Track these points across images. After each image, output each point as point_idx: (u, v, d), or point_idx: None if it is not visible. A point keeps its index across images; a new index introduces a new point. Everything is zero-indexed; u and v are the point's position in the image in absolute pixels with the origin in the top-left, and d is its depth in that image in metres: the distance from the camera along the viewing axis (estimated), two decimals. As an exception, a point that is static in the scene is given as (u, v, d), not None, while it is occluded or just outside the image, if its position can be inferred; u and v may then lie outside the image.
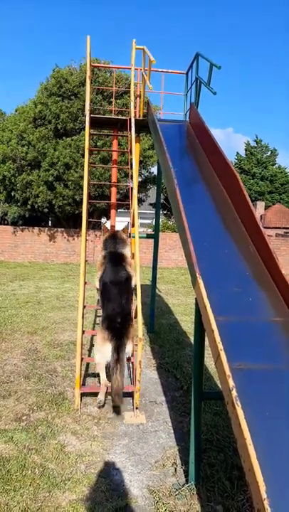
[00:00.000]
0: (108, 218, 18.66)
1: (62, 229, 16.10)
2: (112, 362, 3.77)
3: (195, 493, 2.84)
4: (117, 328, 3.81)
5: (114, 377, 3.70)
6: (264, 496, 1.56)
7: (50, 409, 3.88)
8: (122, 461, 3.22)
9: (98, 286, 4.27)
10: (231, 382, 1.97)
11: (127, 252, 4.42)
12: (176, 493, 2.85)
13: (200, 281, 2.61)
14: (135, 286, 4.31)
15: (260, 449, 1.79)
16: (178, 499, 2.79)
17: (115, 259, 4.28)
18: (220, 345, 2.16)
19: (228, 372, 2.01)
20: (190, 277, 2.95)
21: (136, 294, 4.34)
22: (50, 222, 19.84)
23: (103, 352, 3.86)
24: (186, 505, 2.74)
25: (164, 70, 6.21)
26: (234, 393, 1.92)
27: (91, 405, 4.06)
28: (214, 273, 3.02)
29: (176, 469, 3.14)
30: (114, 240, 4.50)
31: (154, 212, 5.70)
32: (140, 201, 18.86)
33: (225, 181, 4.02)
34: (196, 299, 2.76)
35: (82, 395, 4.12)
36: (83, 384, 4.48)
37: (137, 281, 4.38)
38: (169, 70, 6.28)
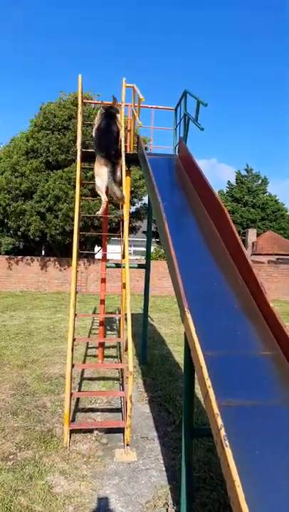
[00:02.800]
0: (100, 247, 18.74)
1: (55, 258, 16.11)
2: (109, 181, 4.99)
3: (187, 536, 2.74)
4: (110, 157, 5.04)
5: (115, 188, 5.02)
6: None
7: (38, 448, 3.78)
8: (112, 502, 3.12)
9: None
10: (220, 421, 1.94)
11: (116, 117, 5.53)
12: (168, 536, 2.75)
13: (188, 316, 2.62)
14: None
15: (250, 490, 1.76)
16: None
17: (109, 116, 5.39)
18: (208, 382, 2.15)
19: (216, 410, 1.99)
20: (179, 311, 2.95)
21: (126, 322, 4.31)
22: (43, 252, 19.85)
23: (101, 174, 5.05)
24: None
25: (154, 107, 6.41)
26: (222, 433, 1.89)
27: (80, 442, 3.96)
28: (203, 306, 3.02)
29: (167, 510, 3.05)
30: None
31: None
32: (134, 229, 19.00)
33: (213, 215, 4.09)
34: (184, 333, 2.76)
35: (72, 431, 4.02)
36: (73, 420, 4.37)
37: (127, 310, 4.38)
38: (159, 106, 6.49)
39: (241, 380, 2.45)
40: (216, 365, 2.46)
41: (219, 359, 2.55)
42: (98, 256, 17.49)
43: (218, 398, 2.12)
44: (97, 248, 18.63)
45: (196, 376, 2.51)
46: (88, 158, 6.16)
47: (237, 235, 3.47)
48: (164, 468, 3.60)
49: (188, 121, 5.62)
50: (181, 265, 3.07)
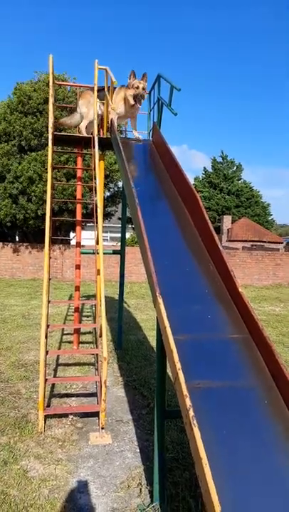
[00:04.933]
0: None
1: (28, 243, 15.87)
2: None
3: (160, 513, 2.83)
4: None
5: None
6: (219, 516, 1.58)
7: (12, 434, 3.78)
8: (87, 484, 3.17)
9: None
10: (188, 402, 2.00)
11: None
12: (141, 514, 2.83)
13: (160, 300, 2.65)
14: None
15: (217, 469, 1.83)
16: (142, 521, 2.78)
17: None
18: (178, 365, 2.20)
19: (185, 392, 2.05)
20: (151, 296, 2.98)
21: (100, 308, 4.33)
22: (17, 238, 19.51)
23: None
24: (151, 526, 2.73)
25: (128, 90, 6.30)
26: (191, 413, 1.95)
27: (56, 427, 3.99)
28: (175, 291, 3.07)
29: (141, 490, 3.12)
30: None
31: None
32: (109, 215, 18.89)
33: (186, 201, 4.11)
34: (157, 317, 2.80)
35: (47, 417, 4.05)
36: (48, 406, 4.39)
37: (102, 296, 4.41)
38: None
39: (211, 363, 2.52)
40: (187, 349, 2.52)
41: (190, 343, 2.60)
42: (74, 242, 17.36)
43: (187, 380, 2.17)
44: (72, 234, 18.45)
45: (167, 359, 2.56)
46: (61, 142, 6.06)
47: (208, 221, 3.51)
48: (138, 450, 3.67)
49: (162, 105, 5.58)
50: (153, 250, 3.09)
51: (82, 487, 3.13)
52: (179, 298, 3.01)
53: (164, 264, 3.25)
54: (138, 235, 3.45)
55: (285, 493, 1.84)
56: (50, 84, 5.69)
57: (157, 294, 2.70)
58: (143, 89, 5.43)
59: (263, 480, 1.89)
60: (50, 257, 4.61)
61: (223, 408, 2.24)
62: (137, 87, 5.39)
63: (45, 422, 3.94)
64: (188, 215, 4.02)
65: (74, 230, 17.30)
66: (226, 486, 1.81)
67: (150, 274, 2.92)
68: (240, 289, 2.83)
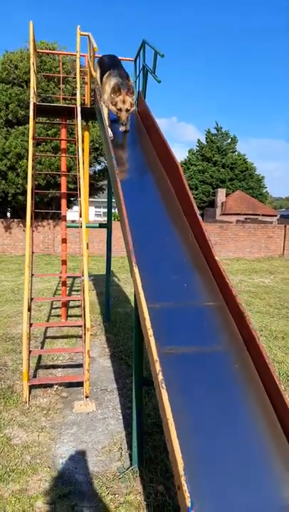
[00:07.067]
0: (69, 207, 18.30)
1: (19, 219, 15.72)
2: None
3: (138, 475, 2.92)
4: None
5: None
6: (181, 472, 1.63)
7: (-3, 403, 3.85)
8: (69, 450, 3.25)
9: None
10: (158, 367, 2.03)
11: None
12: (120, 476, 2.93)
13: (136, 269, 2.65)
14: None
15: (184, 429, 1.87)
16: (121, 482, 2.87)
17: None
18: (150, 331, 2.21)
19: (155, 357, 2.07)
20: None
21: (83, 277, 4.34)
22: (8, 214, 19.32)
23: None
24: (129, 487, 2.82)
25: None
26: (160, 377, 1.98)
27: (41, 397, 4.06)
28: (153, 261, 3.07)
29: (121, 454, 3.22)
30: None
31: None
32: (101, 189, 18.69)
33: (169, 171, 4.06)
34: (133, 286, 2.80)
35: (32, 387, 4.11)
36: (34, 376, 4.46)
37: (85, 269, 4.42)
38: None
39: (185, 330, 2.54)
40: (161, 316, 2.54)
41: (165, 310, 2.62)
42: (69, 217, 17.21)
43: (161, 346, 2.20)
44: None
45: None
46: (44, 113, 5.91)
47: (189, 191, 3.47)
48: (121, 417, 3.76)
49: (147, 73, 5.42)
50: (132, 221, 3.06)
51: (65, 453, 3.21)
52: (157, 267, 3.01)
53: (143, 234, 3.24)
54: (117, 204, 3.41)
55: (248, 450, 1.90)
56: (31, 51, 5.49)
57: (133, 264, 2.69)
58: (126, 110, 4.42)
59: (227, 438, 1.94)
60: (33, 231, 4.58)
61: (194, 372, 2.28)
62: (120, 109, 4.39)
63: (30, 392, 4.01)
64: (171, 186, 3.97)
65: (67, 204, 17.16)
66: (192, 444, 1.86)
67: (127, 243, 2.91)
68: (216, 258, 2.83)
